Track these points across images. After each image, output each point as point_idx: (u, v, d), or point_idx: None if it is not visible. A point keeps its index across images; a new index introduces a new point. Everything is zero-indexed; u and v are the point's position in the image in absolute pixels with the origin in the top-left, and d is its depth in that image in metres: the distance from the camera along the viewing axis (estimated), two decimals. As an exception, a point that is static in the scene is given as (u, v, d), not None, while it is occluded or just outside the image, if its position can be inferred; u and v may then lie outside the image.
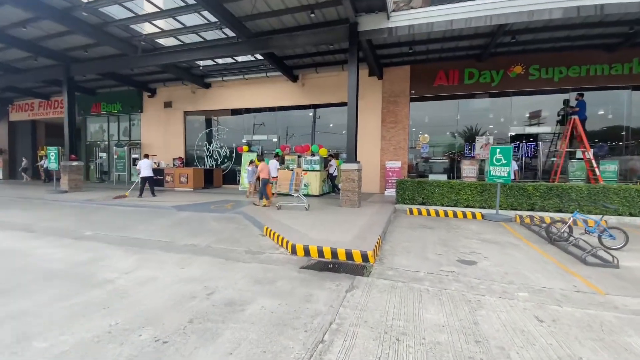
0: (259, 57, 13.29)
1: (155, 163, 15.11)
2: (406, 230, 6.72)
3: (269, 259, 4.70)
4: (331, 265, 4.40)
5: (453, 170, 13.14)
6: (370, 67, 12.70)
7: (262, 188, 9.49)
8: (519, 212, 8.51)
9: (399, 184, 9.61)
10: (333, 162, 12.23)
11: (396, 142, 13.09)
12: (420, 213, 8.78)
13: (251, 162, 10.39)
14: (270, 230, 5.93)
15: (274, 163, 11.37)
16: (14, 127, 22.03)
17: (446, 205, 9.14)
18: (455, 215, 8.54)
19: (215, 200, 10.74)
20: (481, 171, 12.56)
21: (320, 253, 4.73)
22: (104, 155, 19.30)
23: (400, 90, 13.00)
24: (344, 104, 14.11)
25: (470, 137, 12.96)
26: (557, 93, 11.93)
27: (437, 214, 8.67)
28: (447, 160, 13.33)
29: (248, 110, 15.82)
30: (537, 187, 8.58)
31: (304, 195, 11.37)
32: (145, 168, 11.42)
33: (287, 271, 4.15)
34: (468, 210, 8.72)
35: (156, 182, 14.13)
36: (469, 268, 4.43)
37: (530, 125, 12.46)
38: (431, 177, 12.94)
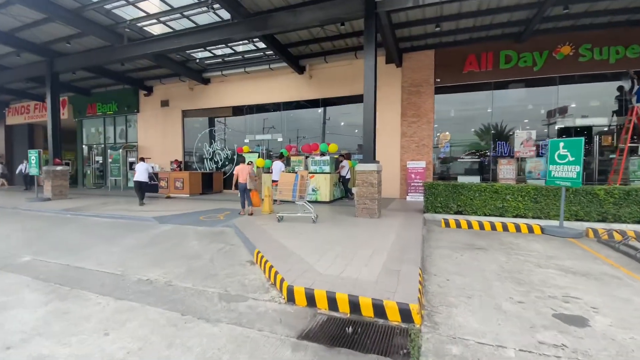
0: (261, 45, 11.73)
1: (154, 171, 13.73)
2: (450, 253, 4.92)
3: (251, 312, 3.00)
4: (350, 329, 2.67)
5: (484, 171, 11.20)
6: (387, 53, 10.96)
7: (242, 195, 7.98)
8: (587, 224, 6.58)
9: (429, 189, 7.79)
10: (345, 162, 10.51)
11: (419, 139, 11.27)
12: (458, 225, 6.93)
13: (249, 163, 8.81)
14: (262, 257, 4.24)
15: (278, 165, 9.74)
16: (11, 131, 21.18)
17: (490, 215, 7.28)
18: (504, 228, 6.66)
19: (209, 209, 9.17)
20: (519, 171, 10.60)
21: (332, 302, 3.01)
22: (100, 159, 18.12)
23: (423, 78, 11.19)
24: (357, 98, 12.43)
25: (505, 132, 11.03)
26: (611, 80, 9.92)
27: (480, 226, 6.80)
28: (477, 160, 11.37)
29: (250, 108, 14.27)
30: (611, 192, 6.62)
31: (312, 202, 9.67)
32: (139, 172, 10.05)
33: (275, 346, 2.44)
34: (520, 222, 6.83)
35: (150, 187, 12.75)
36: (583, 335, 2.63)
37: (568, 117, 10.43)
38: (460, 179, 11.06)
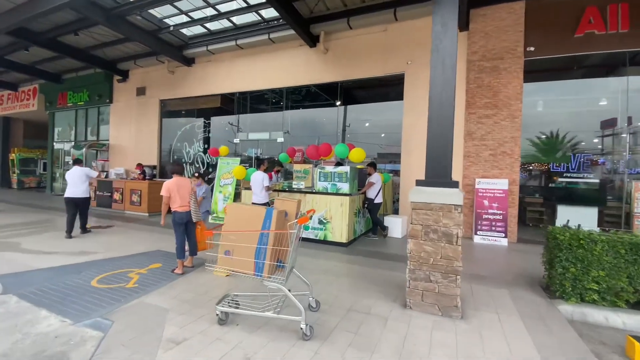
0: (255, 0, 8.01)
1: (102, 173, 10.24)
2: None
3: None
4: None
5: (601, 199, 6.87)
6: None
7: (179, 234, 4.25)
8: None
9: (573, 246, 3.45)
10: (376, 177, 6.42)
11: (496, 144, 7.01)
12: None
13: (196, 175, 4.99)
14: None
15: (257, 178, 5.77)
16: (-14, 125, 18.54)
17: None
18: None
19: (144, 250, 5.35)
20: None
21: None
22: (70, 160, 14.94)
23: (505, 47, 6.99)
24: (392, 82, 8.41)
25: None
26: None
27: None
28: (592, 180, 6.98)
29: (244, 96, 10.54)
30: None
31: (318, 241, 5.61)
32: (74, 183, 6.32)
33: None
34: None
35: (98, 202, 9.29)
36: None
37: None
38: (561, 211, 6.80)
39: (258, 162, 5.79)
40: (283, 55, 9.45)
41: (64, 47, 10.82)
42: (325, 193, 5.91)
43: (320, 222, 5.90)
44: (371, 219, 6.71)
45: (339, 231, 5.77)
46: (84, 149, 12.64)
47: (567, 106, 7.88)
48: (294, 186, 6.22)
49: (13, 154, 17.55)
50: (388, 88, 8.81)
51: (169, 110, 12.08)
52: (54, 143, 15.48)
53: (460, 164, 7.16)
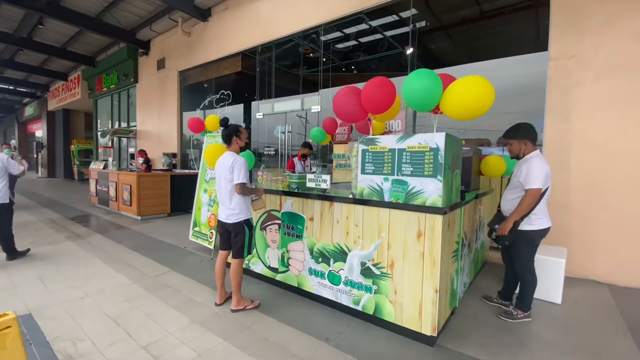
0: None
1: (101, 163, 8.37)
2: None
3: None
4: None
5: None
6: None
7: None
8: None
9: None
10: (540, 163, 2.41)
11: None
12: None
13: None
14: None
15: (223, 167, 2.58)
16: (53, 117, 19.17)
17: None
18: None
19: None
20: None
21: None
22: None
23: None
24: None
25: None
26: None
27: None
28: None
29: (268, 50, 7.48)
30: None
31: (362, 313, 2.16)
32: None
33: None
34: None
35: (99, 199, 7.37)
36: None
37: None
38: None
39: (226, 131, 2.62)
40: (318, -26, 6.04)
41: (71, 13, 9.12)
42: (374, 203, 2.44)
43: (367, 271, 2.49)
44: (516, 264, 2.75)
45: (414, 302, 2.27)
46: (107, 137, 11.18)
47: None
48: (308, 184, 2.89)
49: (73, 146, 17.73)
50: (495, 20, 4.76)
51: (189, 84, 9.72)
52: (98, 132, 14.78)
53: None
